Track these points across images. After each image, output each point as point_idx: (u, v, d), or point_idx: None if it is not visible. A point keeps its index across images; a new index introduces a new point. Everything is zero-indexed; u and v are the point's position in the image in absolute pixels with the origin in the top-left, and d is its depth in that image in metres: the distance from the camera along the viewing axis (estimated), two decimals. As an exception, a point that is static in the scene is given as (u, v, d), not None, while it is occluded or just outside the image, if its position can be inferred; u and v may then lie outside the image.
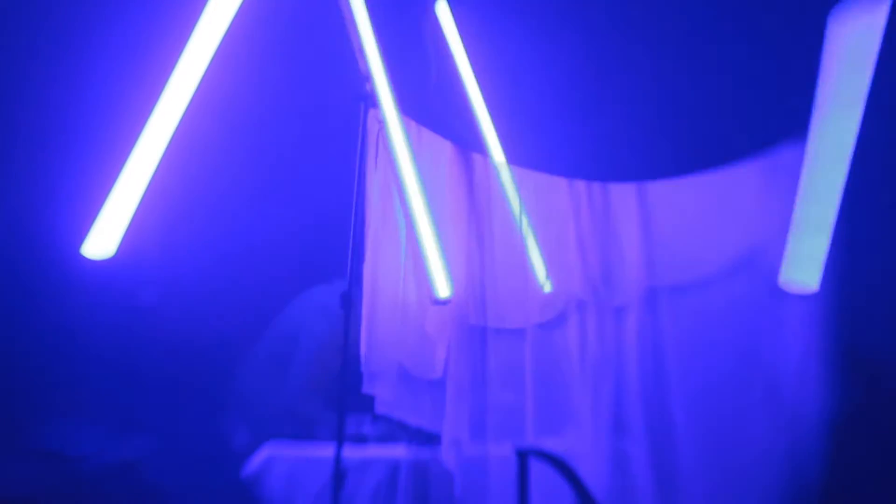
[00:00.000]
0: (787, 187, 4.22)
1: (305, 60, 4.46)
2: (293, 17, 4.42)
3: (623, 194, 4.44)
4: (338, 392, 3.59)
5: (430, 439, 3.98)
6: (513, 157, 4.57)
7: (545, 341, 4.23)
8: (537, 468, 3.54)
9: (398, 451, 3.98)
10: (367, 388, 3.94)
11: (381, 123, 4.03)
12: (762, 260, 4.25)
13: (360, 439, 4.03)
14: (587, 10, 4.72)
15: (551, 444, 3.88)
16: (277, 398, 4.30)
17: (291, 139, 4.48)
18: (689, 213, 4.43)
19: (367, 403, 3.97)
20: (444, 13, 4.75)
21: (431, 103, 4.51)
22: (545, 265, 4.35)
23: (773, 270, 4.20)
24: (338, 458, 3.49)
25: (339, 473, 3.49)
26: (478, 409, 3.99)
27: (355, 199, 3.79)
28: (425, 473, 3.92)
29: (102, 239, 3.99)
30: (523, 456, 3.53)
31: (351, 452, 3.72)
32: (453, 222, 4.18)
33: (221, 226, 4.41)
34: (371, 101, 3.96)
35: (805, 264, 4.15)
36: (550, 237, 4.36)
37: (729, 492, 4.07)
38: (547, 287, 4.34)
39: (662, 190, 4.44)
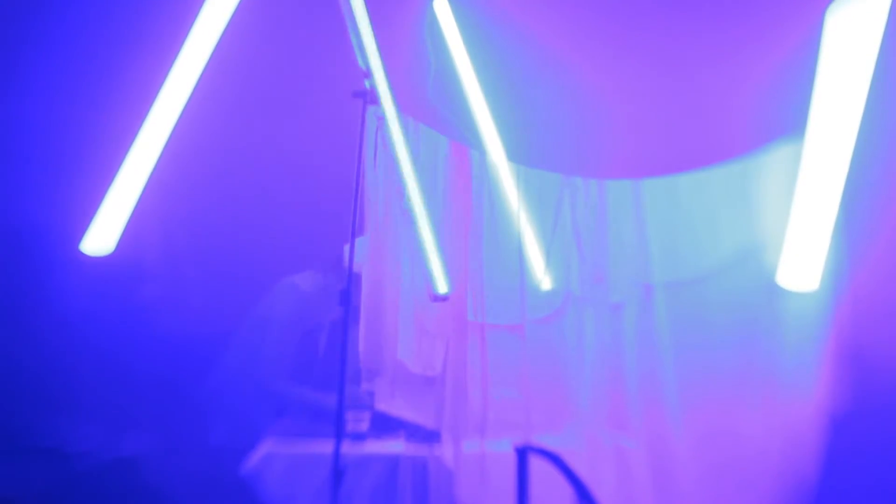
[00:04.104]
0: (786, 185, 4.23)
1: (304, 57, 4.45)
2: (292, 15, 4.42)
3: (620, 191, 4.44)
4: (338, 388, 3.59)
5: (428, 436, 3.99)
6: (511, 154, 4.57)
7: (543, 338, 4.24)
8: (536, 465, 3.55)
9: (397, 448, 3.99)
10: (365, 385, 3.94)
11: (381, 120, 4.03)
12: (760, 257, 4.26)
13: (359, 436, 4.03)
14: (585, 7, 4.72)
15: (550, 441, 3.88)
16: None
17: (290, 136, 4.47)
18: (686, 210, 4.44)
19: (366, 400, 3.98)
20: (442, 10, 4.75)
21: (430, 100, 4.51)
22: (543, 262, 4.36)
23: (771, 268, 4.22)
24: (336, 455, 3.48)
25: (338, 470, 3.48)
26: (476, 405, 4.00)
27: (354, 195, 3.79)
28: (424, 470, 3.92)
29: (102, 235, 4.00)
30: (522, 452, 3.54)
31: (350, 449, 3.72)
32: (452, 219, 4.18)
33: (220, 223, 4.41)
34: (370, 97, 3.96)
35: (804, 262, 4.16)
36: (548, 234, 4.37)
37: (726, 489, 4.08)
38: (545, 284, 4.35)
39: (659, 186, 4.45)
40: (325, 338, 4.20)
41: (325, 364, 4.09)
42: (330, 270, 4.21)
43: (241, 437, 4.04)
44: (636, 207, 4.43)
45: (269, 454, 3.94)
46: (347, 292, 3.70)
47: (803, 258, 4.16)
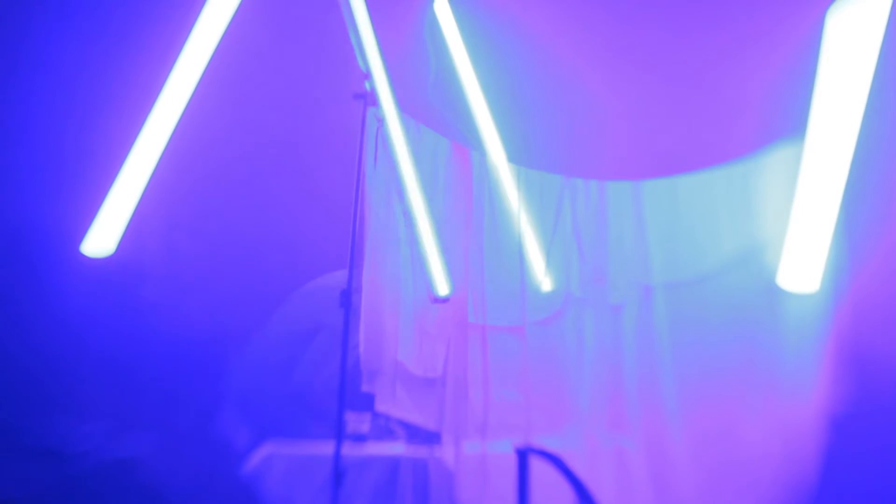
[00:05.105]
0: (786, 186, 4.23)
1: (305, 59, 4.45)
2: (293, 16, 4.41)
3: (621, 192, 4.44)
4: (338, 389, 3.59)
5: (429, 437, 3.99)
6: (512, 155, 4.57)
7: (543, 339, 4.24)
8: (536, 466, 3.55)
9: (397, 450, 3.99)
10: (366, 387, 3.95)
11: (381, 121, 4.03)
12: (760, 259, 4.26)
13: (360, 437, 4.03)
14: (586, 9, 4.72)
15: (550, 442, 3.89)
16: (289, 392, 4.28)
17: (291, 137, 4.47)
18: (686, 211, 4.44)
19: (367, 401, 3.98)
20: (442, 11, 4.74)
21: (431, 101, 4.51)
22: (543, 263, 4.36)
23: (771, 269, 4.22)
24: (337, 457, 3.49)
25: (339, 471, 3.48)
26: (477, 406, 4.00)
27: (355, 197, 3.79)
28: (425, 471, 3.93)
29: (102, 237, 4.00)
30: (522, 454, 3.54)
31: (350, 450, 3.72)
32: (452, 220, 4.19)
33: (221, 223, 4.40)
34: (370, 99, 3.96)
35: (804, 264, 4.16)
36: (548, 235, 4.37)
37: (726, 489, 4.09)
38: (545, 285, 4.35)
39: (660, 188, 4.45)
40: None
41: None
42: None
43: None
44: (636, 209, 4.43)
45: (270, 455, 3.94)
46: (348, 293, 3.70)
47: (804, 260, 4.16)
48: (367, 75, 4.03)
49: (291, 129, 4.46)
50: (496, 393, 4.05)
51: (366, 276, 3.97)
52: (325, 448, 3.65)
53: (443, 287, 3.95)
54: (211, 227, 4.37)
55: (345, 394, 3.60)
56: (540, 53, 4.68)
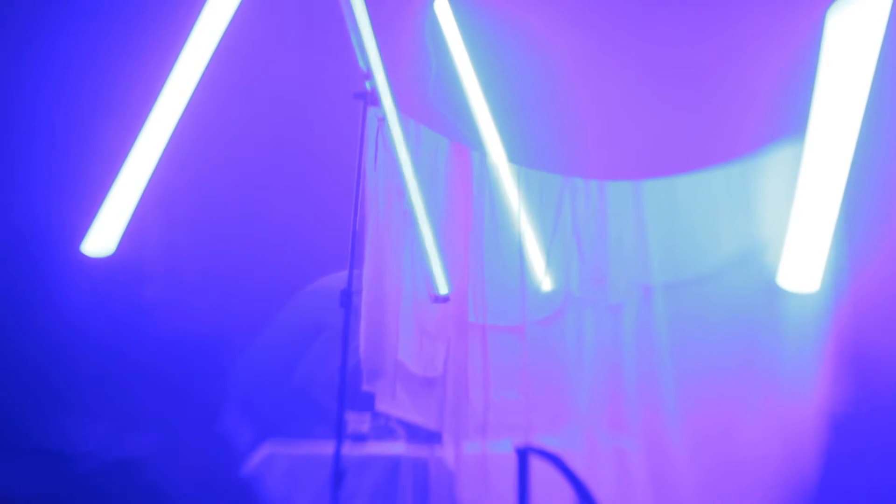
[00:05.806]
0: (786, 186, 4.23)
1: (305, 59, 4.45)
2: (293, 16, 4.42)
3: (621, 192, 4.44)
4: (338, 389, 3.59)
5: (429, 437, 3.99)
6: (512, 155, 4.57)
7: (543, 339, 4.24)
8: (536, 465, 3.55)
9: (397, 449, 3.99)
10: (366, 386, 3.95)
11: (381, 121, 4.04)
12: (760, 259, 4.26)
13: (360, 437, 4.03)
14: (586, 9, 4.72)
15: (550, 442, 3.89)
16: (290, 392, 4.28)
17: (291, 137, 4.48)
18: (686, 211, 4.44)
19: (367, 401, 3.98)
20: (443, 11, 4.75)
21: (431, 101, 4.52)
22: (543, 263, 4.36)
23: (771, 269, 4.22)
24: (337, 456, 3.49)
25: (339, 471, 3.49)
26: (477, 406, 4.00)
27: (355, 196, 3.79)
28: (425, 471, 3.93)
29: (103, 236, 4.01)
30: (522, 453, 3.54)
31: (350, 450, 3.73)
32: (452, 220, 4.19)
33: (221, 223, 4.41)
34: (371, 99, 3.97)
35: (804, 264, 4.16)
36: (548, 235, 4.37)
37: (725, 489, 4.09)
38: (545, 284, 4.35)
39: (659, 188, 4.45)
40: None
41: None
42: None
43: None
44: (636, 208, 4.44)
45: (271, 455, 3.94)
46: (348, 293, 3.70)
47: (804, 259, 4.16)
48: (368, 75, 4.02)
49: (292, 128, 4.46)
50: (496, 393, 4.05)
51: (366, 276, 3.96)
52: (325, 448, 3.65)
53: (443, 286, 3.96)
54: (211, 226, 4.38)
55: (345, 393, 3.60)
56: (540, 53, 4.69)
